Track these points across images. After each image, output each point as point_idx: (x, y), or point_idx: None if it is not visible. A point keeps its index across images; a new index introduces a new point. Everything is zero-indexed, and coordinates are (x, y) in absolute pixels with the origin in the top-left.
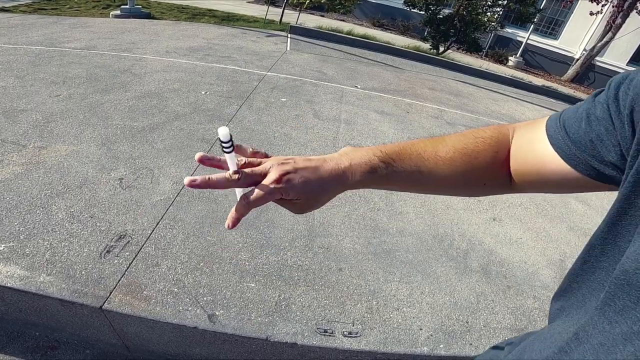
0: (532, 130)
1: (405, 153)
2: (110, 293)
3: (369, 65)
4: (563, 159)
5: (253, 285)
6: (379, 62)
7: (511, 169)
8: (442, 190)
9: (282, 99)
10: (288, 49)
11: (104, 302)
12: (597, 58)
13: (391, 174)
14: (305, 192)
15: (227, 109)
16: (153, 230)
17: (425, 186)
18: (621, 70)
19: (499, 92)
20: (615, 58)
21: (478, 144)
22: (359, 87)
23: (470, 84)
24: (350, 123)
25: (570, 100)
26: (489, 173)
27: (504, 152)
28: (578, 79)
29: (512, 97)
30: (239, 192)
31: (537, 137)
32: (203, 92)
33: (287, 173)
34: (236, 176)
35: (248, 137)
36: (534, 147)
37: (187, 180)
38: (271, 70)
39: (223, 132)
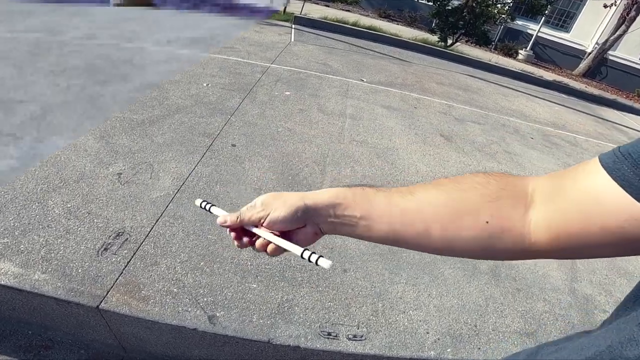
0: (579, 177)
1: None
2: (108, 292)
3: (375, 58)
4: None
5: (255, 286)
6: (385, 54)
7: (550, 230)
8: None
9: (286, 93)
10: (292, 40)
11: (101, 302)
12: (609, 52)
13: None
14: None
15: (230, 102)
16: (152, 228)
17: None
18: (635, 65)
19: (508, 87)
20: (629, 52)
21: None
22: (365, 80)
23: (479, 78)
24: (356, 118)
25: (583, 95)
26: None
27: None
28: (590, 74)
29: (522, 92)
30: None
31: (594, 184)
32: (205, 84)
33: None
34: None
35: (250, 132)
36: (598, 197)
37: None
38: (275, 62)
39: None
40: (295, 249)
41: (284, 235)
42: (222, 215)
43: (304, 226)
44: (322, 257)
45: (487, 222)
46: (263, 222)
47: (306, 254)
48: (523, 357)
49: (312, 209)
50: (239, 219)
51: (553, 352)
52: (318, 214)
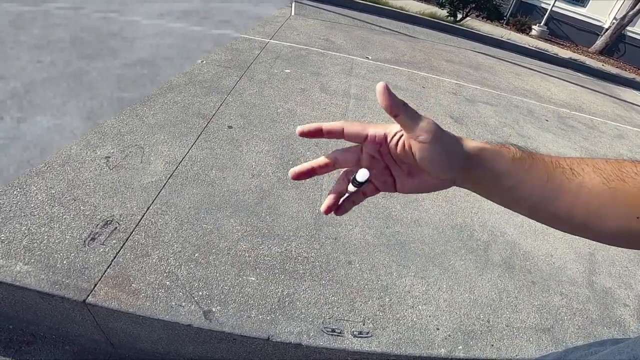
0: None
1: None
2: (95, 285)
3: (381, 34)
4: None
5: (253, 279)
6: (391, 30)
7: None
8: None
9: (286, 70)
10: (293, 14)
11: (88, 296)
12: (628, 28)
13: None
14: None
15: (226, 81)
16: (143, 216)
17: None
18: None
19: (522, 65)
20: None
21: None
22: (370, 58)
23: (490, 55)
24: (361, 98)
25: (600, 74)
26: None
27: None
28: (607, 51)
29: (536, 70)
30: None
31: None
32: (199, 61)
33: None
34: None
35: (248, 113)
36: None
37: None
38: (274, 38)
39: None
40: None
41: (406, 172)
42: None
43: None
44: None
45: (638, 218)
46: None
47: (350, 187)
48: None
49: (468, 153)
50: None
51: (584, 356)
52: (471, 162)
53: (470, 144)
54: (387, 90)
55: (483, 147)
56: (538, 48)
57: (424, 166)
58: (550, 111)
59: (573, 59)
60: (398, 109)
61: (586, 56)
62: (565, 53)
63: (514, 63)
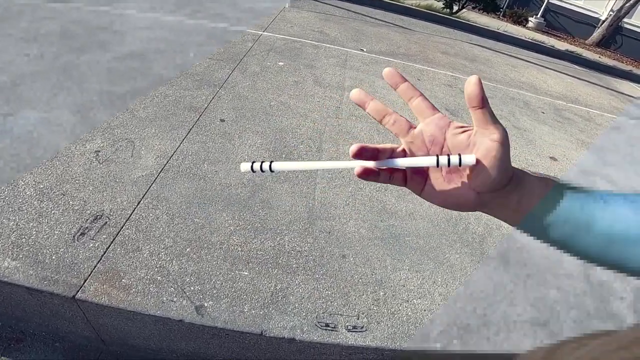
0: None
1: None
2: (85, 281)
3: (376, 26)
4: None
5: (246, 273)
6: (386, 22)
7: None
8: None
9: (280, 63)
10: (287, 5)
11: (77, 291)
12: (624, 19)
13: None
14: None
15: (218, 73)
16: (133, 211)
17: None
18: None
19: (518, 58)
20: None
21: None
22: (364, 50)
23: (486, 47)
24: None
25: (596, 66)
26: None
27: None
28: (604, 43)
29: (532, 63)
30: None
31: None
32: (191, 54)
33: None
34: None
35: (241, 106)
36: None
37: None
38: (267, 30)
39: None
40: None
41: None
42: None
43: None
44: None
45: None
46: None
47: (443, 160)
48: (542, 354)
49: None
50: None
51: (575, 348)
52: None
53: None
54: (480, 82)
55: (526, 172)
56: (534, 40)
57: (480, 168)
58: (546, 103)
59: (570, 51)
60: (485, 101)
61: (583, 48)
62: (562, 45)
63: (511, 55)
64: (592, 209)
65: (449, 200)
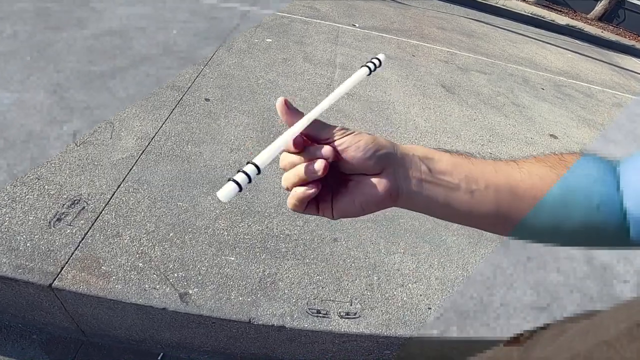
0: None
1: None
2: (62, 269)
3: (369, 0)
4: None
5: (233, 258)
6: None
7: None
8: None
9: (268, 40)
10: None
11: (54, 280)
12: None
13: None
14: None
15: (203, 51)
16: (113, 195)
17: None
18: None
19: (517, 32)
20: None
21: None
22: (357, 25)
23: (484, 22)
24: (347, 68)
25: (598, 41)
26: None
27: None
28: (606, 17)
29: (532, 38)
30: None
31: None
32: (174, 31)
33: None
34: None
35: (227, 84)
36: None
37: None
38: (255, 5)
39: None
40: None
41: (344, 182)
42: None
43: (379, 173)
44: (236, 182)
45: (598, 208)
46: (335, 141)
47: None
48: (525, 340)
49: (400, 154)
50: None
51: (556, 335)
52: (405, 162)
53: (402, 146)
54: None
55: (414, 147)
56: (534, 14)
57: (356, 154)
58: (546, 79)
59: (571, 26)
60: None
61: (584, 23)
62: (562, 20)
63: (509, 30)
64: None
65: (358, 205)
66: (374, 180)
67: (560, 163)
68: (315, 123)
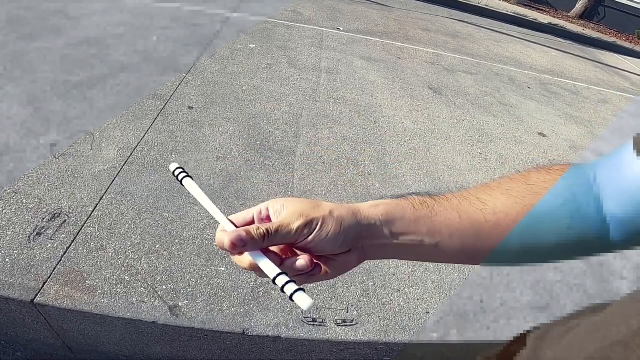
0: None
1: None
2: (44, 284)
3: (353, 3)
4: None
5: (223, 269)
6: None
7: None
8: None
9: (251, 45)
10: None
11: (36, 295)
12: None
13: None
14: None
15: (184, 58)
16: (95, 207)
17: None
18: (634, 5)
19: (501, 32)
20: None
21: None
22: (341, 29)
23: (468, 22)
24: (333, 72)
25: (580, 39)
26: None
27: None
28: (587, 15)
29: (516, 37)
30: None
31: None
32: (154, 38)
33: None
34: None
35: (210, 92)
36: None
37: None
38: (237, 11)
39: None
40: (270, 269)
41: (317, 259)
42: (230, 230)
43: (348, 251)
44: (303, 290)
45: (569, 227)
46: (302, 242)
47: (280, 281)
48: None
49: (363, 224)
50: (271, 235)
51: (565, 332)
52: (370, 232)
53: (364, 213)
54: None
55: (374, 217)
56: (517, 14)
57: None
58: (532, 78)
59: (553, 24)
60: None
61: (566, 21)
62: (544, 18)
63: (493, 30)
64: None
65: (338, 275)
66: (344, 257)
67: (527, 189)
68: (281, 230)
